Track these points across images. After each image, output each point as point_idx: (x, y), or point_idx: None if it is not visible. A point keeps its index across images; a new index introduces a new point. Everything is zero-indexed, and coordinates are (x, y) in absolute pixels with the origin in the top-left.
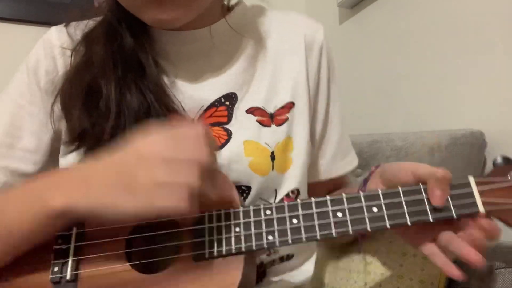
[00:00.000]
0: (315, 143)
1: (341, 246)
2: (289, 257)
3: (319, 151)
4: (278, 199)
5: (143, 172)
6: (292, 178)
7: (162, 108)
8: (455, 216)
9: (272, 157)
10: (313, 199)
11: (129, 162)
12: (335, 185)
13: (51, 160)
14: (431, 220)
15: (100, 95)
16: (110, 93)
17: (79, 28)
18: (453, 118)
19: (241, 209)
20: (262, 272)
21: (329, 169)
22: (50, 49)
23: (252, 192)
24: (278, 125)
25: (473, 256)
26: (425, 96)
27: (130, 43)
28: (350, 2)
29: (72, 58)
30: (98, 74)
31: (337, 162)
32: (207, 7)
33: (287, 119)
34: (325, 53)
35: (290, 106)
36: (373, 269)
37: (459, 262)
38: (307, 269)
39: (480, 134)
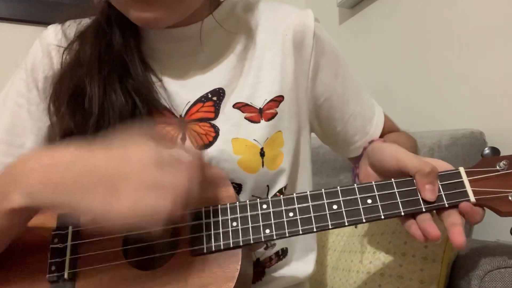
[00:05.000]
0: (341, 123)
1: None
2: (284, 251)
3: (349, 129)
4: (271, 194)
5: (127, 176)
6: (284, 173)
7: (148, 107)
8: (446, 205)
9: (262, 153)
10: (308, 192)
11: (112, 166)
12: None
13: None
14: (424, 209)
15: (85, 94)
16: (93, 93)
17: (74, 27)
18: (453, 118)
19: (237, 203)
20: (261, 271)
21: (359, 138)
22: (46, 47)
23: (244, 190)
24: (268, 119)
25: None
26: (425, 96)
27: (118, 42)
28: (350, 2)
29: (64, 56)
30: (84, 73)
31: (367, 127)
32: (193, 9)
33: (276, 113)
34: (320, 38)
35: (279, 99)
36: (372, 269)
37: (459, 262)
38: (306, 267)
39: (480, 134)
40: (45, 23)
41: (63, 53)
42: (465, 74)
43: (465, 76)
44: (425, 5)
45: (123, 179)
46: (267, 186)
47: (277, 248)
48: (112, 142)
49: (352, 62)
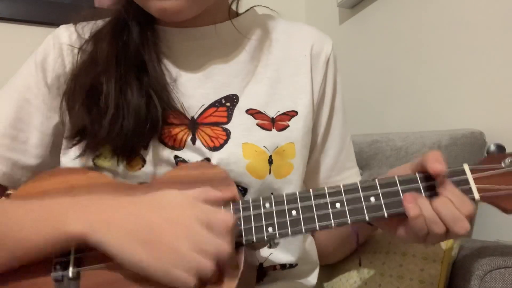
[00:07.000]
0: (315, 154)
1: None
2: (292, 266)
3: (317, 162)
4: None
5: (169, 236)
6: (291, 184)
7: (163, 106)
8: None
9: (270, 161)
10: (311, 192)
11: (158, 220)
12: None
13: (52, 155)
14: None
15: (101, 92)
16: (110, 90)
17: (88, 28)
18: (453, 118)
19: (240, 203)
20: (263, 272)
21: (324, 182)
22: (58, 45)
23: (248, 195)
24: (279, 130)
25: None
26: (425, 96)
27: (136, 40)
28: (350, 2)
29: (79, 56)
30: (100, 71)
31: (333, 177)
32: (212, 3)
33: (288, 126)
34: (332, 66)
35: (292, 114)
36: (372, 269)
37: (459, 262)
38: (309, 279)
39: (480, 134)
40: (45, 23)
41: (78, 52)
42: (465, 74)
43: (465, 76)
44: (425, 5)
45: (161, 237)
46: (272, 194)
47: (286, 261)
48: (168, 201)
49: (352, 62)
